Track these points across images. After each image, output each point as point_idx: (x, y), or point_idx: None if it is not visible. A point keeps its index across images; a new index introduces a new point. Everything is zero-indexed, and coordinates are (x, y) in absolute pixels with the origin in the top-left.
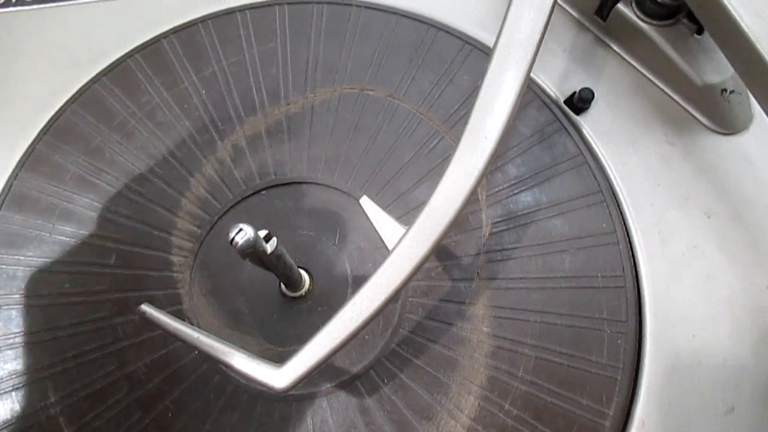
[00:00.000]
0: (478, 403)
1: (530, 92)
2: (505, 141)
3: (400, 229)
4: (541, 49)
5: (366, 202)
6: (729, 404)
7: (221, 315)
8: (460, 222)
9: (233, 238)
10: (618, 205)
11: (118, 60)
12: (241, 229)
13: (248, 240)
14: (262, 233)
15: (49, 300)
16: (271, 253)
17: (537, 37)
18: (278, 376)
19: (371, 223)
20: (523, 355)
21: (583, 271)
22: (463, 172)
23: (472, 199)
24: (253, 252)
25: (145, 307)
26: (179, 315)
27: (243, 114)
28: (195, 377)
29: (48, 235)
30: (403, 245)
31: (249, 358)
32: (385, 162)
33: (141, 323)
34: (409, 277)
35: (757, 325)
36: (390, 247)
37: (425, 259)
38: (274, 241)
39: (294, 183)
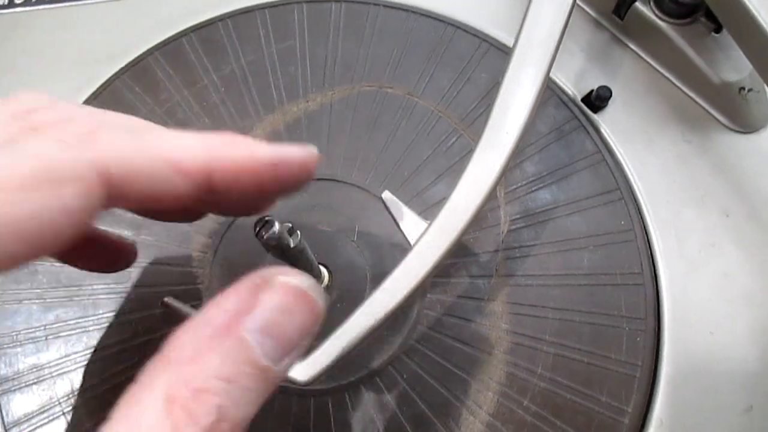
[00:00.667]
0: (497, 400)
1: (548, 90)
2: (526, 138)
3: (422, 224)
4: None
5: (388, 197)
6: (747, 403)
7: None
8: (479, 219)
9: (259, 231)
10: (636, 203)
11: (137, 58)
12: (267, 222)
13: (274, 233)
14: (286, 227)
15: (69, 294)
16: (294, 246)
17: (557, 35)
18: (300, 370)
19: (390, 220)
20: (542, 351)
21: (602, 269)
22: (484, 168)
23: (491, 196)
24: (277, 245)
25: (169, 300)
26: (200, 309)
27: (262, 111)
28: None
29: None
30: (425, 240)
31: None
32: (403, 159)
33: (160, 319)
34: (431, 272)
35: None
36: (412, 242)
37: (448, 255)
38: (297, 234)
39: (313, 179)
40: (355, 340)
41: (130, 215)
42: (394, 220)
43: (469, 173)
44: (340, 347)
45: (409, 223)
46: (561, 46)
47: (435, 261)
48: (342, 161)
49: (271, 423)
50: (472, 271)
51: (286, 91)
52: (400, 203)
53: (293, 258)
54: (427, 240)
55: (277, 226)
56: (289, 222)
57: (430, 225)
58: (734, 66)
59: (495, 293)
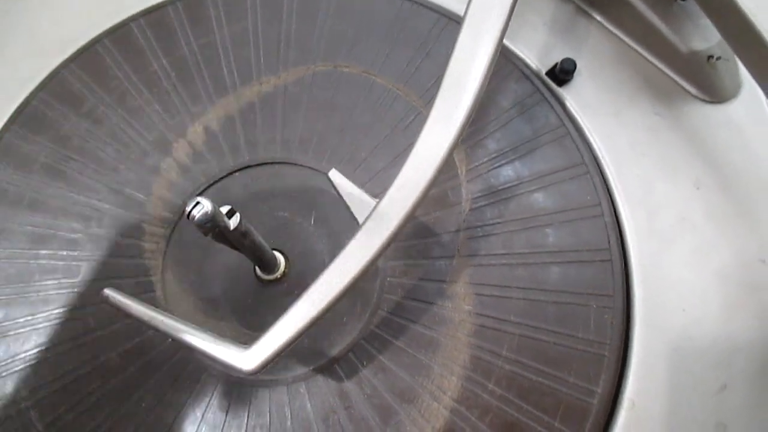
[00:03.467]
0: (461, 384)
1: (510, 64)
2: (481, 111)
3: (370, 202)
4: (520, 20)
5: (335, 175)
6: (722, 382)
7: (196, 301)
8: (439, 197)
9: (190, 212)
10: (603, 177)
11: (86, 45)
12: (198, 203)
13: (206, 213)
14: (225, 209)
15: (17, 291)
16: (235, 229)
17: (509, 1)
18: (245, 358)
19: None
20: (507, 333)
21: (568, 246)
22: (435, 143)
23: (451, 173)
24: (214, 227)
25: (108, 292)
26: (152, 302)
27: (214, 96)
28: (169, 365)
29: (17, 225)
30: (373, 219)
31: (214, 340)
32: (360, 140)
33: (113, 312)
34: (380, 251)
35: (749, 299)
36: (360, 221)
37: (397, 233)
38: (237, 217)
39: (267, 164)
40: (301, 328)
41: (79, 207)
42: (342, 198)
43: (419, 148)
44: (287, 334)
45: (358, 201)
46: (523, 20)
47: (385, 239)
48: (297, 144)
49: (229, 416)
50: (433, 252)
51: (239, 74)
52: (348, 181)
53: (238, 242)
54: (376, 218)
55: (209, 206)
56: (242, 210)
57: (378, 202)
58: (702, 34)
59: (457, 274)
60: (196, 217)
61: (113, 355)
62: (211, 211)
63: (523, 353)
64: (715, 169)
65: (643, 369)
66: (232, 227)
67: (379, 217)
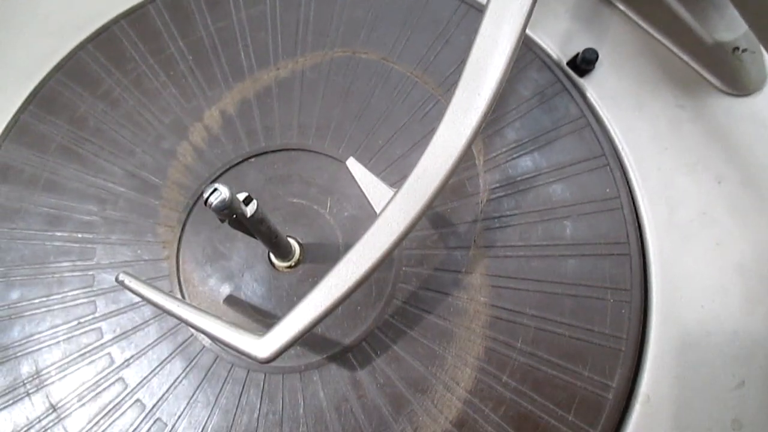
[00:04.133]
0: (475, 376)
1: (530, 53)
2: (500, 101)
3: (388, 192)
4: (542, 9)
5: (353, 164)
6: (739, 378)
7: (209, 286)
8: (457, 188)
9: (207, 198)
10: (623, 170)
11: (103, 27)
12: (215, 189)
13: (223, 200)
14: (242, 195)
15: (33, 272)
16: (252, 216)
17: None
18: (260, 346)
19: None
20: (522, 325)
21: (586, 238)
22: (455, 132)
23: (469, 164)
24: (231, 214)
25: (124, 276)
26: (166, 287)
27: (231, 79)
28: (182, 350)
29: (33, 206)
30: (391, 208)
31: (229, 327)
32: (378, 127)
33: (125, 295)
34: (397, 242)
35: None
36: (378, 211)
37: (415, 223)
38: (254, 204)
39: (283, 150)
40: (316, 317)
41: (94, 189)
42: (360, 187)
43: (438, 137)
44: (302, 323)
45: (376, 190)
46: (545, 8)
47: (402, 229)
48: (314, 131)
49: (240, 401)
50: (450, 242)
51: (256, 58)
52: (366, 170)
53: (254, 229)
54: (394, 208)
55: (226, 193)
56: (257, 196)
57: (396, 192)
58: (728, 25)
59: (473, 265)
60: (214, 204)
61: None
62: (229, 197)
63: (539, 346)
64: (738, 164)
65: (660, 364)
66: (249, 214)
67: (397, 207)
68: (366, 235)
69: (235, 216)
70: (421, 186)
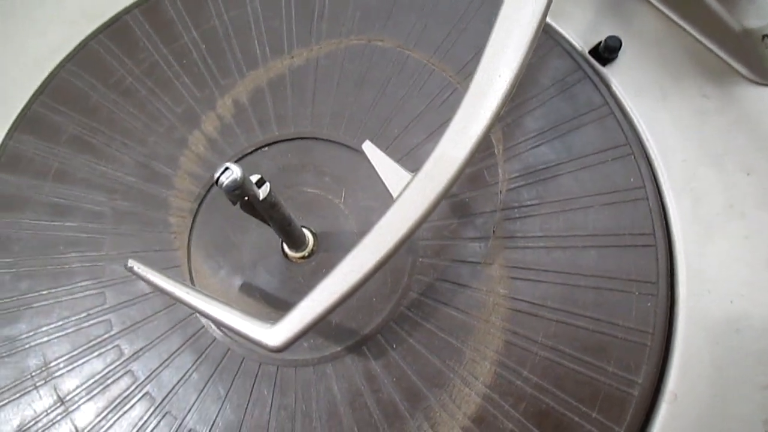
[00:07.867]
0: (494, 370)
1: (551, 41)
2: (520, 89)
3: (405, 176)
4: None
5: (369, 148)
6: None
7: (221, 277)
8: (476, 177)
9: (218, 178)
10: (648, 160)
11: (115, 16)
12: (227, 168)
13: (234, 180)
14: (254, 177)
15: (42, 263)
16: (264, 199)
17: None
18: (271, 334)
19: (378, 176)
20: (543, 318)
21: (609, 229)
22: (475, 115)
23: (488, 152)
24: (242, 195)
25: (133, 263)
26: (177, 276)
27: (244, 68)
28: (193, 342)
29: (43, 196)
30: (408, 193)
31: (240, 315)
32: (394, 116)
33: (135, 286)
34: (414, 227)
35: None
36: (394, 195)
37: (433, 208)
38: (266, 186)
39: (297, 139)
40: (330, 305)
41: (105, 180)
42: (376, 171)
43: (457, 120)
44: (316, 311)
45: (392, 175)
46: None
47: (419, 215)
48: (329, 119)
49: (252, 395)
50: (468, 233)
51: (269, 46)
52: (383, 153)
53: (266, 213)
54: (411, 192)
55: (238, 173)
56: (270, 185)
57: (414, 177)
58: (757, 11)
59: (492, 256)
60: (225, 183)
61: None
62: (240, 177)
63: (561, 340)
64: (767, 155)
65: (687, 360)
66: (261, 197)
67: (414, 191)
68: (382, 219)
69: (246, 198)
70: (440, 169)
